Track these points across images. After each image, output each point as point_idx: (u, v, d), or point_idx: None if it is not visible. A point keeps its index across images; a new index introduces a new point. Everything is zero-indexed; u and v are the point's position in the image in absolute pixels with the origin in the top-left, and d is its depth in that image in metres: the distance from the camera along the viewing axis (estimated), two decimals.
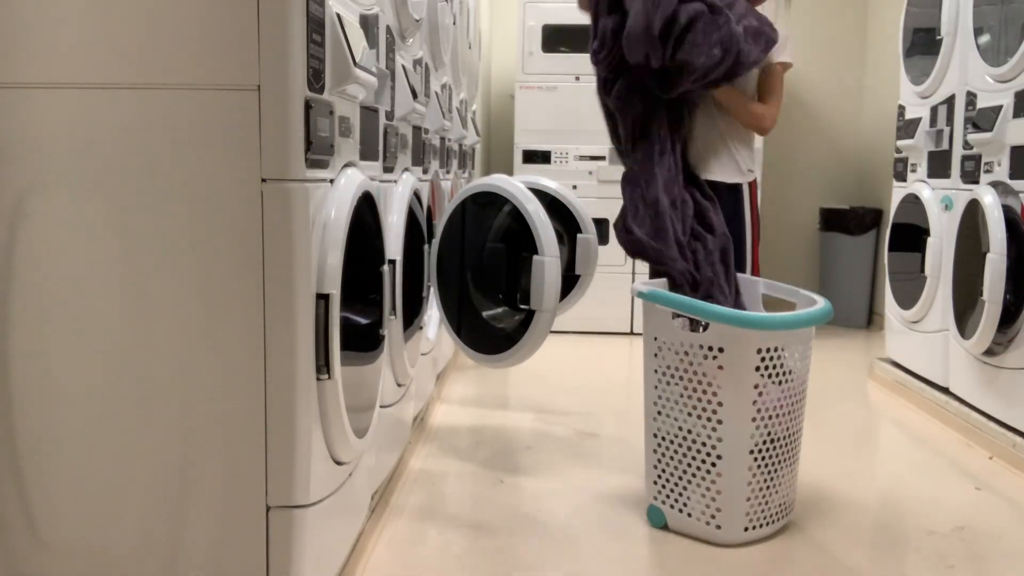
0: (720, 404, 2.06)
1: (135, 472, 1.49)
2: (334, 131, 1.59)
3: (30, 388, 1.48)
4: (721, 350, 2.05)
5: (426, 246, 2.71)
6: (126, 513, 1.50)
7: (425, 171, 2.79)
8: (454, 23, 3.31)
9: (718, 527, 2.10)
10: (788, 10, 4.93)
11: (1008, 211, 2.84)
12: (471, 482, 2.55)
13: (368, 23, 1.83)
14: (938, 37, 3.40)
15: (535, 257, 2.55)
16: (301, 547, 1.51)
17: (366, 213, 1.76)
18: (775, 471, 2.13)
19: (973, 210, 3.04)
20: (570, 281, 2.93)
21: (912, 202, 3.64)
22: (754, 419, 2.06)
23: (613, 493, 2.46)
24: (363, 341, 1.81)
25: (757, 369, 2.05)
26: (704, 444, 2.10)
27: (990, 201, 2.91)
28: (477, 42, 4.39)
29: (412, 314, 2.47)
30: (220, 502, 1.49)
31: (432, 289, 2.85)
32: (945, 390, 3.30)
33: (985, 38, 3.08)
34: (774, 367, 2.08)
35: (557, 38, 4.82)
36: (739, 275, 2.50)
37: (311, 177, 1.48)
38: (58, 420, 1.49)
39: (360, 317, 1.78)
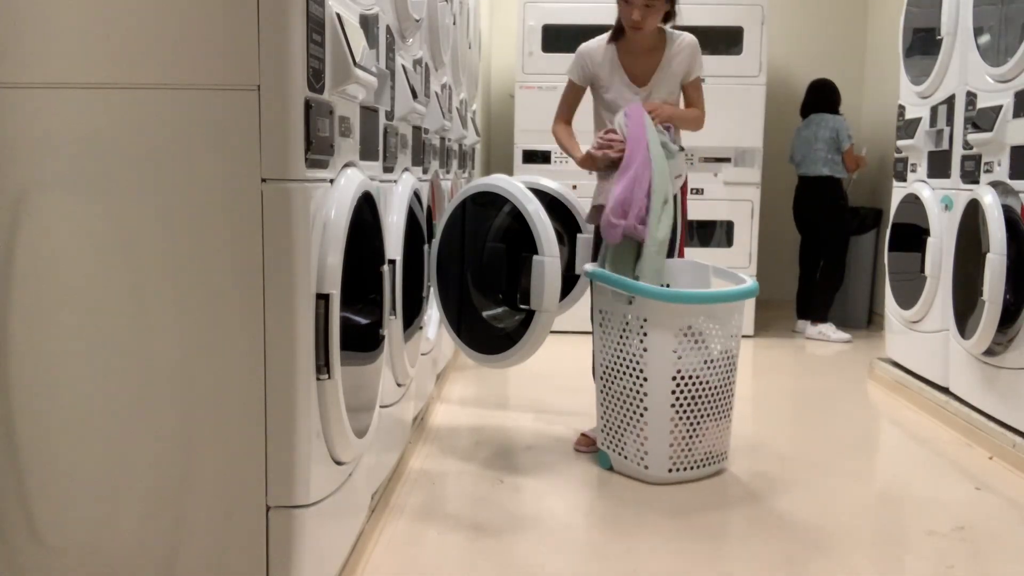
0: (646, 364, 2.46)
1: (135, 472, 1.49)
2: (334, 131, 1.59)
3: (30, 388, 1.48)
4: (647, 320, 2.44)
5: (426, 246, 2.72)
6: (126, 513, 1.50)
7: (425, 171, 2.78)
8: (454, 23, 3.31)
9: (646, 467, 2.50)
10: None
11: (1008, 211, 2.84)
12: (471, 482, 2.55)
13: (368, 23, 1.83)
14: (938, 37, 3.40)
15: (535, 257, 2.55)
16: (301, 547, 1.51)
17: (366, 213, 1.76)
18: (697, 424, 2.50)
19: (973, 210, 3.04)
20: (570, 281, 2.93)
21: (912, 202, 3.64)
22: (674, 378, 2.45)
23: (613, 493, 2.46)
24: (363, 341, 1.81)
25: (676, 337, 2.43)
26: (635, 398, 2.50)
27: (990, 201, 2.91)
28: (477, 42, 4.39)
29: (412, 314, 2.47)
30: (220, 502, 1.49)
31: (432, 289, 2.85)
32: (945, 390, 3.30)
33: (985, 38, 3.08)
34: (693, 336, 2.46)
35: (557, 38, 4.82)
36: (690, 261, 2.79)
37: (311, 177, 1.48)
38: (58, 420, 1.49)
39: (360, 317, 1.78)
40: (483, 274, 2.79)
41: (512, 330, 2.69)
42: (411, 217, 2.34)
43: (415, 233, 2.48)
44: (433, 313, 3.00)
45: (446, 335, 3.01)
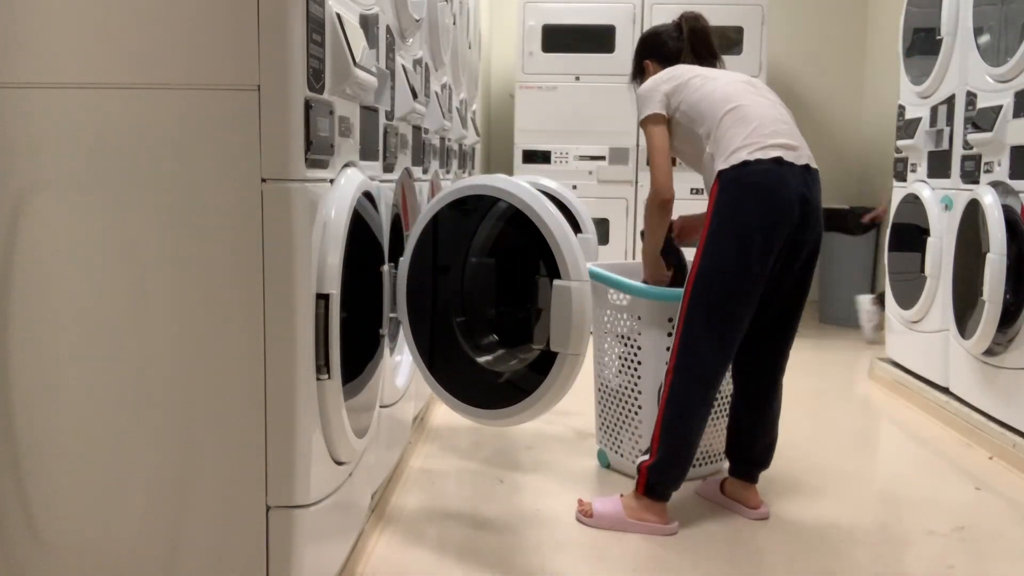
0: (640, 363, 2.50)
1: (135, 472, 1.49)
2: (334, 131, 1.59)
3: (30, 388, 1.48)
4: (640, 319, 2.47)
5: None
6: (126, 513, 1.50)
7: (425, 171, 2.78)
8: (454, 23, 3.31)
9: None
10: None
11: (1008, 211, 2.84)
12: (471, 482, 2.55)
13: (368, 23, 1.83)
14: (938, 37, 3.40)
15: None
16: (301, 547, 1.51)
17: (367, 213, 1.76)
18: None
19: (973, 210, 3.04)
20: None
21: (912, 202, 3.64)
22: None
23: (612, 491, 2.46)
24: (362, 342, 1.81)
25: (669, 335, 2.43)
26: (629, 396, 2.54)
27: (990, 201, 2.91)
28: (477, 42, 4.39)
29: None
30: (220, 502, 1.49)
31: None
32: (945, 390, 3.30)
33: (985, 38, 3.08)
34: None
35: (557, 38, 4.83)
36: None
37: (311, 177, 1.48)
38: (58, 420, 1.49)
39: (359, 317, 1.77)
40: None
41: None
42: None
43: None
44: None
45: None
